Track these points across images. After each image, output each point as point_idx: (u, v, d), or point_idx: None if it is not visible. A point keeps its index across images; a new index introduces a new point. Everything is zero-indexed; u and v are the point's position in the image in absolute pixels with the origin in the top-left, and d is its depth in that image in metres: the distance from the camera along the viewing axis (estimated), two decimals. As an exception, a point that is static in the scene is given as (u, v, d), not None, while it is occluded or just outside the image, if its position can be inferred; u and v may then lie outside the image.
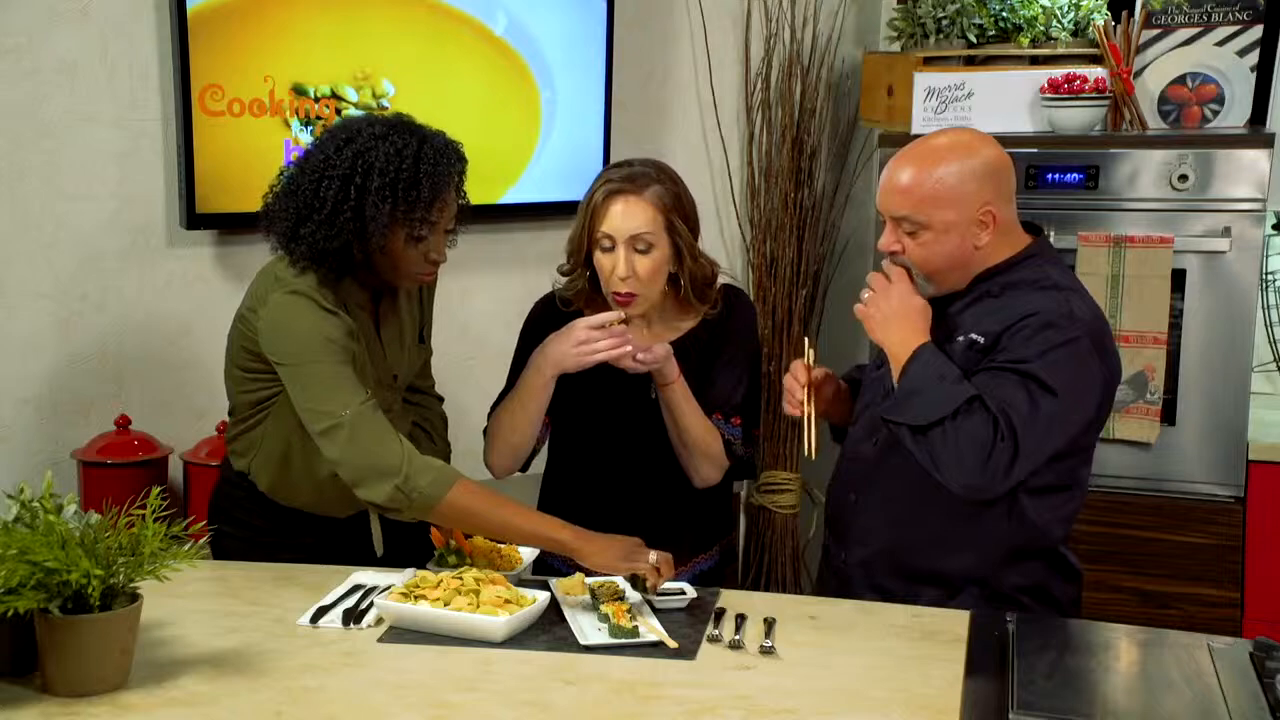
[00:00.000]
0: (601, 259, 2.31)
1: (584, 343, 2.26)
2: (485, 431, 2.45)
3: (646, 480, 2.42)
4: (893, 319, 2.16)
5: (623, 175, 2.32)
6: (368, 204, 2.17)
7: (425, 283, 2.40)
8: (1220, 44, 3.18)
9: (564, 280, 2.44)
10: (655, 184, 2.31)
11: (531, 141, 3.55)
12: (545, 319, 2.43)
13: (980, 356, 2.13)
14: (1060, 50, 3.29)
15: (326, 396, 2.17)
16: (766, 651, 1.96)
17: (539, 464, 2.52)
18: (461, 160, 2.29)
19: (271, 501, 2.40)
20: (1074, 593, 2.30)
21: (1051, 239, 3.06)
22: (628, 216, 2.28)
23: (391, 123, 2.26)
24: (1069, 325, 2.09)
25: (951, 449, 2.05)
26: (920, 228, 2.14)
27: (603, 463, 2.45)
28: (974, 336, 2.15)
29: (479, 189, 3.49)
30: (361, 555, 2.38)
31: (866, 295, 2.20)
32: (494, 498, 2.17)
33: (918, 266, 2.18)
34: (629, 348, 2.27)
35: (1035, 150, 3.14)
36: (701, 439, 2.36)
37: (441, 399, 2.64)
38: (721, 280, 2.44)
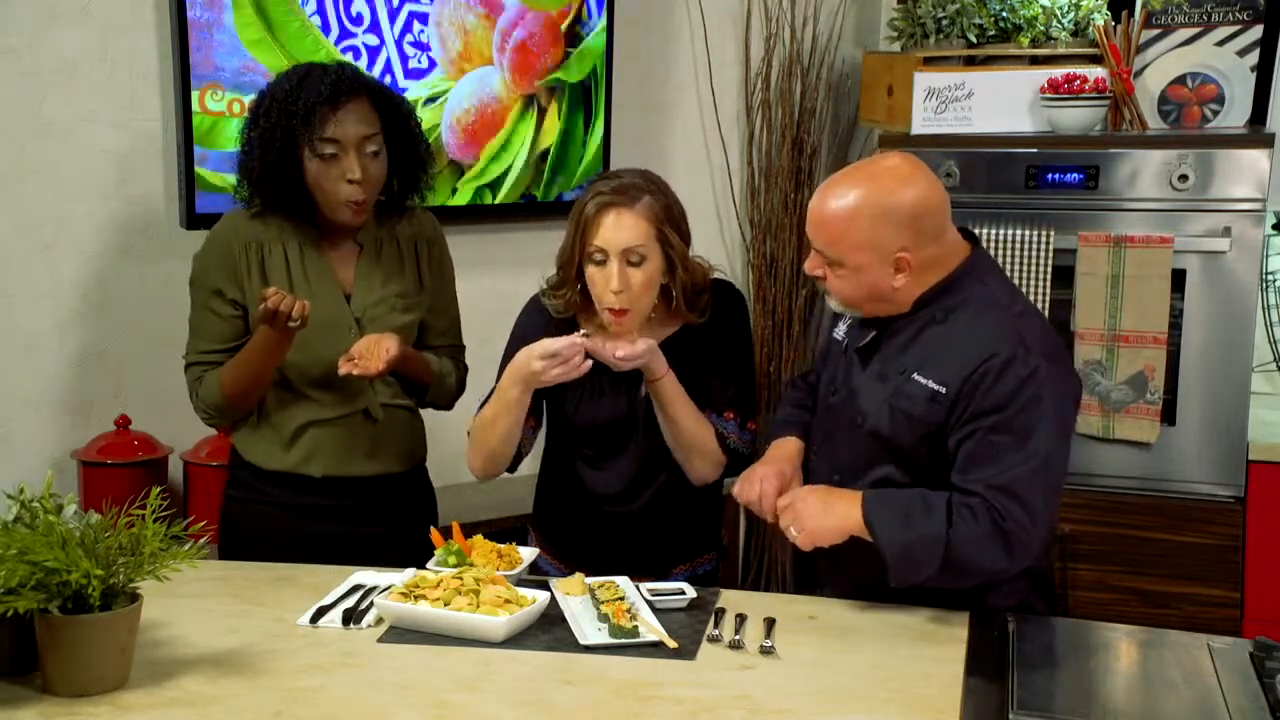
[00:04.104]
0: (594, 273, 2.30)
1: (543, 370, 2.24)
2: (469, 433, 2.43)
3: (642, 481, 2.42)
4: (821, 516, 2.08)
5: (613, 187, 2.30)
6: (262, 122, 2.40)
7: (355, 207, 2.42)
8: (1220, 44, 3.18)
9: (552, 293, 2.41)
10: (646, 195, 2.30)
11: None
12: (538, 321, 2.41)
13: (945, 409, 2.06)
14: (1060, 50, 3.29)
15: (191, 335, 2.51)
16: (766, 651, 1.96)
17: (533, 465, 2.52)
18: (356, 81, 2.41)
19: (259, 470, 2.51)
20: (1053, 609, 2.27)
21: (1051, 239, 3.08)
22: (620, 229, 2.27)
23: (303, 63, 2.51)
24: (1027, 357, 2.02)
25: (972, 559, 2.01)
26: (835, 264, 2.09)
27: (598, 464, 2.44)
28: (935, 387, 2.06)
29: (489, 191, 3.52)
30: (342, 511, 2.52)
31: (791, 533, 2.10)
32: (231, 361, 2.45)
33: (836, 298, 2.14)
34: (588, 363, 2.25)
35: (1035, 150, 3.14)
36: (695, 434, 2.35)
37: (458, 362, 2.65)
38: (712, 276, 2.43)
